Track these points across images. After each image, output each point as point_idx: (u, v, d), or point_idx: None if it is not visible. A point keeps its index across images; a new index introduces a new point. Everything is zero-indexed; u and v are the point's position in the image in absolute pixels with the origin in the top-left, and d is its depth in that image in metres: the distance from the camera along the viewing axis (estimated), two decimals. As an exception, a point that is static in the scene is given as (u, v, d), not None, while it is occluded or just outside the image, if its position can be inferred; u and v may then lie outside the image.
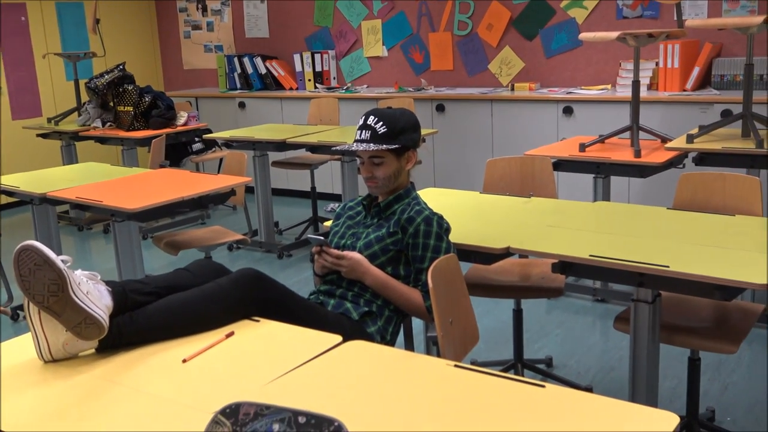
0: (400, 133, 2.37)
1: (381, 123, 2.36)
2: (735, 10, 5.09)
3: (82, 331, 1.73)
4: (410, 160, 2.43)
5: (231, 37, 7.68)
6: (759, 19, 3.44)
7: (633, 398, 2.46)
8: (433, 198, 2.91)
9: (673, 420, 1.36)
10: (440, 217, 2.37)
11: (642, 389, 2.44)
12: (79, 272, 1.81)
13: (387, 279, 2.32)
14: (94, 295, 1.78)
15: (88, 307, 1.73)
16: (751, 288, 2.01)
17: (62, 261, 1.75)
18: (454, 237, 2.41)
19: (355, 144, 2.38)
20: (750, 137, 3.62)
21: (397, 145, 2.36)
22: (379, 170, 2.38)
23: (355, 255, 2.32)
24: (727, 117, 4.11)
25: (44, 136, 6.42)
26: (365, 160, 2.39)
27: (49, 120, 6.50)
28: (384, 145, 2.34)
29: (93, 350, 1.82)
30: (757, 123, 3.68)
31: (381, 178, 2.39)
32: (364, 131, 2.37)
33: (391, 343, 2.36)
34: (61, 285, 1.71)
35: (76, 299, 1.72)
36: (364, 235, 2.40)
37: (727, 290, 2.05)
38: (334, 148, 2.73)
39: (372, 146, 2.34)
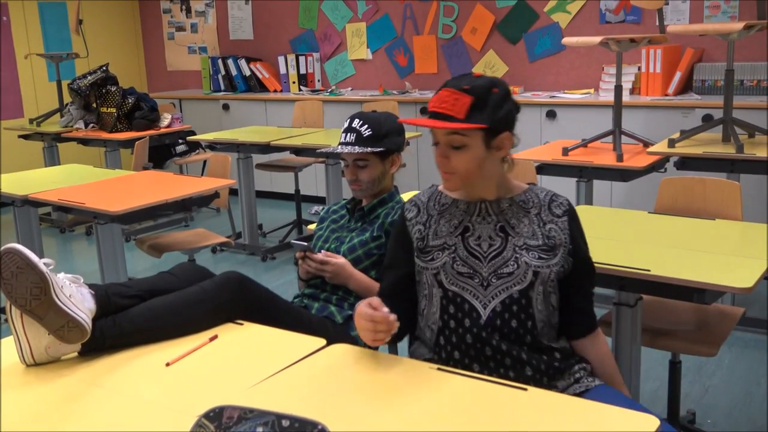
0: (384, 137, 2.37)
1: (366, 126, 2.37)
2: (716, 15, 5.15)
3: (64, 335, 1.73)
4: (394, 163, 2.44)
5: (215, 38, 7.67)
6: (739, 25, 3.48)
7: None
8: (417, 201, 2.92)
9: (654, 422, 1.37)
10: None
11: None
12: (61, 275, 1.80)
13: (370, 283, 2.32)
14: (76, 298, 1.77)
15: (70, 310, 1.73)
16: (733, 292, 2.03)
17: (45, 264, 1.74)
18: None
19: (339, 146, 2.38)
20: (730, 142, 3.67)
21: (381, 149, 2.37)
22: (363, 173, 2.39)
23: (339, 260, 2.32)
24: (708, 122, 4.16)
25: (26, 137, 6.37)
26: (350, 162, 2.40)
27: (31, 121, 6.45)
28: (369, 148, 2.35)
29: (76, 354, 1.81)
30: (738, 128, 3.72)
31: (365, 181, 2.39)
32: (349, 134, 2.38)
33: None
34: (44, 288, 1.70)
35: (58, 302, 1.71)
36: (348, 239, 2.40)
37: (707, 294, 2.07)
38: (319, 151, 2.71)
39: (357, 149, 2.35)
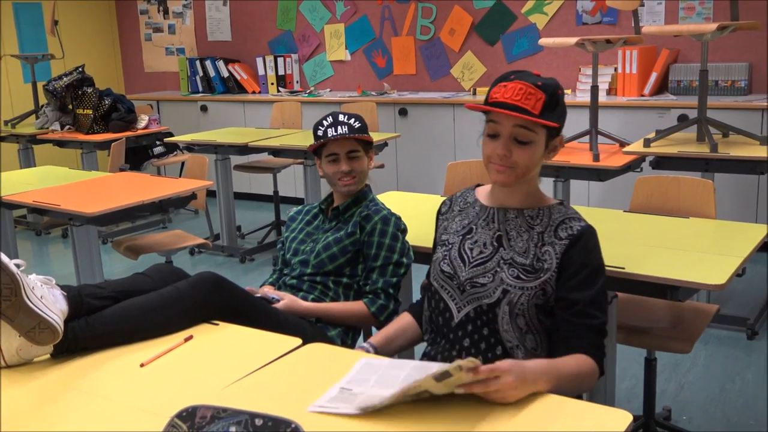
0: (366, 130, 2.39)
1: (353, 119, 2.39)
2: (691, 17, 5.20)
3: (35, 336, 1.71)
4: (371, 158, 2.46)
5: (193, 40, 7.63)
6: (713, 26, 3.52)
7: (591, 398, 2.49)
8: (395, 201, 2.92)
9: (626, 418, 1.38)
10: (398, 218, 2.38)
11: (601, 389, 2.47)
12: (33, 276, 1.78)
13: (320, 308, 2.31)
14: (48, 299, 1.75)
15: (41, 311, 1.71)
16: (706, 289, 2.05)
17: (16, 265, 1.72)
18: (415, 240, 2.42)
19: (339, 134, 2.34)
20: (704, 141, 3.70)
21: (370, 141, 2.40)
22: (356, 164, 2.39)
23: (284, 300, 2.29)
24: (683, 122, 4.20)
25: (1, 139, 6.30)
26: (342, 156, 2.37)
27: (6, 123, 6.39)
28: (364, 135, 2.37)
29: (48, 356, 1.79)
30: (712, 128, 3.76)
31: (359, 172, 2.39)
32: (340, 126, 2.35)
33: (352, 345, 2.36)
34: (14, 289, 1.68)
35: (29, 304, 1.69)
36: (323, 239, 2.40)
37: (680, 291, 2.10)
38: (319, 139, 2.40)
39: (362, 135, 2.36)
